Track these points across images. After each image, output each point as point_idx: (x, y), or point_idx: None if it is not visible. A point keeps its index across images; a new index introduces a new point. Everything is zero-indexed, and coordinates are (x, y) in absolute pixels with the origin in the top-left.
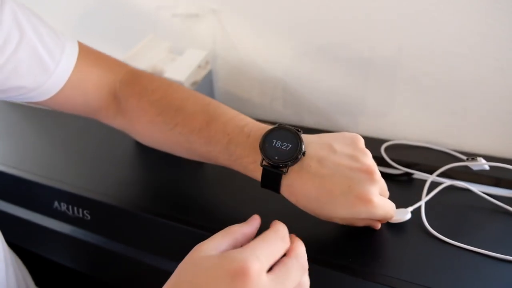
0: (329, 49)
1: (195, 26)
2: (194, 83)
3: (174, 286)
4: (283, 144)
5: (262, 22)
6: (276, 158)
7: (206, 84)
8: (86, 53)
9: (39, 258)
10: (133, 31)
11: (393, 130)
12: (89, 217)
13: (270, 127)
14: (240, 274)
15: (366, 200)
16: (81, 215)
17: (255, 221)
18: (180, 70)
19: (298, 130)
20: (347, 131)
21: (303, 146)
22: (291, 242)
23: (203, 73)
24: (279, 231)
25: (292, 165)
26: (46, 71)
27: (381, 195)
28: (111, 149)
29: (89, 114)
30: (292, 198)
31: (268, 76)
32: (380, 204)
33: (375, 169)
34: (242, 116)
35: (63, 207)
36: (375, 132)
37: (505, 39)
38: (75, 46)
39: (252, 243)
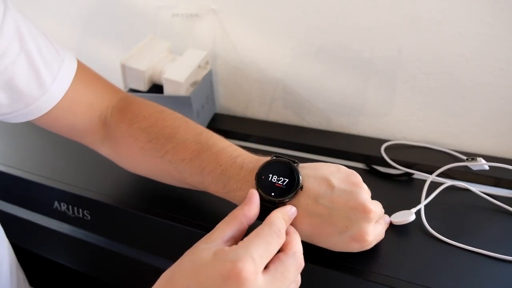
0: (329, 49)
1: (195, 26)
2: (194, 83)
3: (171, 276)
4: (280, 179)
5: (262, 22)
6: (273, 194)
7: (206, 84)
8: (83, 73)
9: (38, 258)
10: (133, 31)
11: (393, 130)
12: (89, 217)
13: (263, 158)
14: (233, 276)
15: (361, 240)
16: (81, 215)
17: (253, 199)
18: (180, 70)
19: (294, 162)
20: (347, 131)
21: (301, 181)
22: (288, 234)
23: (203, 73)
24: (273, 226)
25: (289, 201)
26: (42, 85)
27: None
28: None
29: (74, 137)
30: None
31: (268, 77)
32: (374, 240)
33: (372, 206)
34: (235, 147)
35: (63, 207)
36: (375, 132)
37: (505, 39)
38: (73, 63)
39: (247, 240)
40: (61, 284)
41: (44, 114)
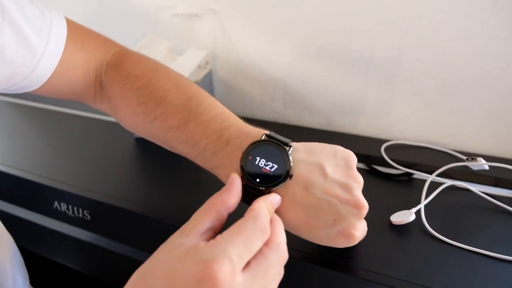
0: (329, 49)
1: (195, 26)
2: (194, 83)
3: (142, 277)
4: (268, 164)
5: (262, 22)
6: (258, 180)
7: (206, 84)
8: (74, 33)
9: (38, 258)
10: (133, 31)
11: (393, 130)
12: (89, 217)
13: (253, 133)
14: (206, 279)
15: (349, 236)
16: (81, 215)
17: (234, 184)
18: (180, 70)
19: (286, 145)
20: (347, 131)
21: (291, 170)
22: (271, 223)
23: (203, 73)
24: (258, 220)
25: (275, 189)
26: (34, 53)
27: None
28: (111, 149)
29: (73, 99)
30: None
31: (268, 76)
32: (361, 236)
33: (364, 202)
34: (226, 115)
35: (63, 207)
36: (375, 132)
37: (506, 39)
38: (63, 24)
39: (226, 235)
40: (61, 284)
41: (43, 84)
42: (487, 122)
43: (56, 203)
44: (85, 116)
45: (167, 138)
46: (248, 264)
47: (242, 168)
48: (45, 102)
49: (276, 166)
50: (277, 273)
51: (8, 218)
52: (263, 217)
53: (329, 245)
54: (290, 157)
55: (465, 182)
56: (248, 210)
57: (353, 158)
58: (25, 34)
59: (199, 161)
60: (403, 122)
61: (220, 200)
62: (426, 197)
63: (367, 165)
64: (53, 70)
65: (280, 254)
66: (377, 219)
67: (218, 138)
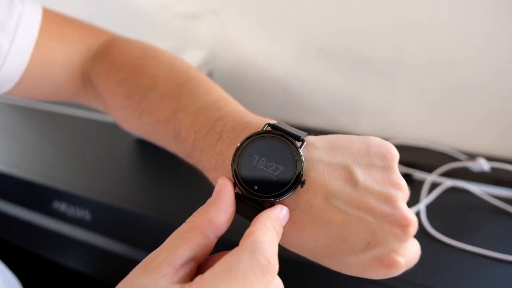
0: (329, 49)
1: (195, 26)
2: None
3: None
4: (270, 165)
5: (262, 23)
6: (256, 188)
7: None
8: (50, 24)
9: (38, 258)
10: (133, 31)
11: (393, 130)
12: (89, 217)
13: (254, 125)
14: None
15: (388, 264)
16: (81, 215)
17: (224, 195)
18: None
19: (297, 139)
20: (347, 131)
21: (303, 172)
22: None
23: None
24: (258, 251)
25: (281, 200)
26: None
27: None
28: (111, 149)
29: (63, 99)
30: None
31: (268, 76)
32: (408, 263)
33: (411, 217)
34: (223, 103)
35: (63, 207)
36: (375, 132)
37: (506, 40)
38: (35, 15)
39: (209, 279)
40: (60, 284)
41: (16, 84)
42: (487, 122)
43: (56, 203)
44: (85, 117)
45: (156, 135)
46: None
47: (234, 172)
48: (45, 103)
49: (281, 168)
50: None
51: (7, 218)
52: (265, 247)
53: (362, 276)
54: (302, 156)
55: (465, 182)
56: (245, 234)
57: (393, 155)
58: None
59: (190, 162)
60: (403, 122)
61: (206, 218)
62: (426, 197)
63: None
64: (23, 68)
65: None
66: None
67: (209, 131)
